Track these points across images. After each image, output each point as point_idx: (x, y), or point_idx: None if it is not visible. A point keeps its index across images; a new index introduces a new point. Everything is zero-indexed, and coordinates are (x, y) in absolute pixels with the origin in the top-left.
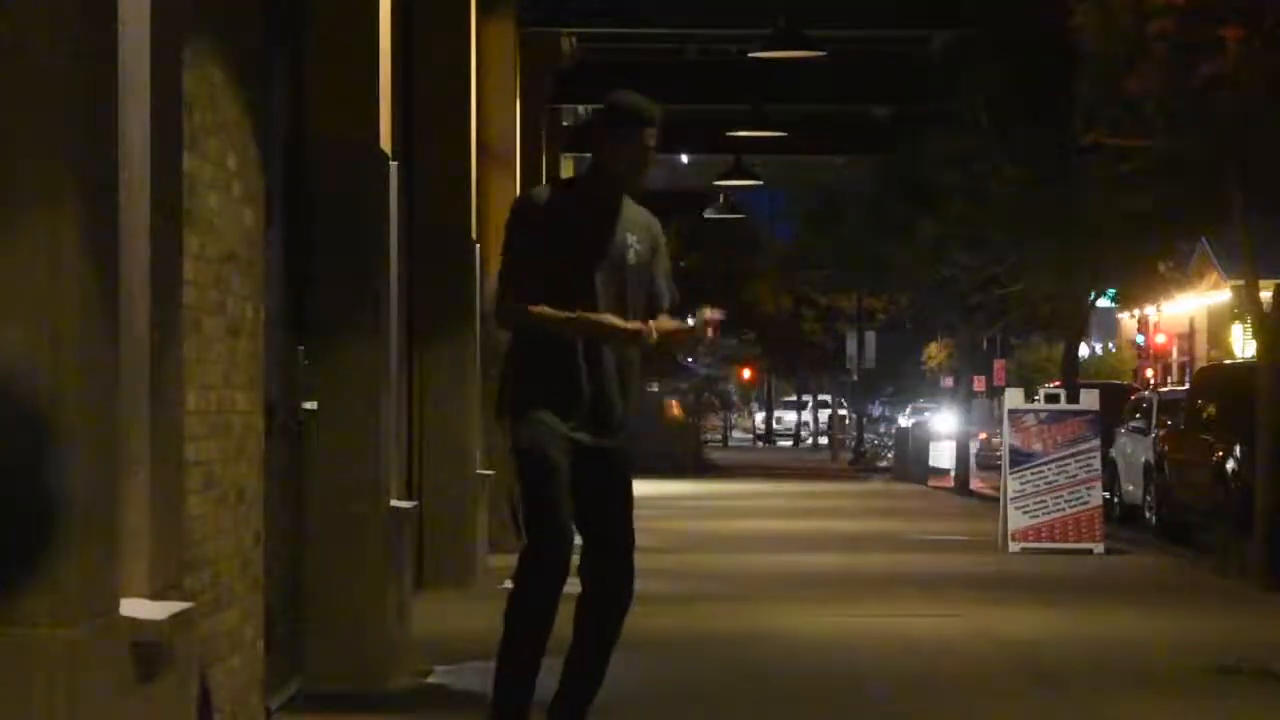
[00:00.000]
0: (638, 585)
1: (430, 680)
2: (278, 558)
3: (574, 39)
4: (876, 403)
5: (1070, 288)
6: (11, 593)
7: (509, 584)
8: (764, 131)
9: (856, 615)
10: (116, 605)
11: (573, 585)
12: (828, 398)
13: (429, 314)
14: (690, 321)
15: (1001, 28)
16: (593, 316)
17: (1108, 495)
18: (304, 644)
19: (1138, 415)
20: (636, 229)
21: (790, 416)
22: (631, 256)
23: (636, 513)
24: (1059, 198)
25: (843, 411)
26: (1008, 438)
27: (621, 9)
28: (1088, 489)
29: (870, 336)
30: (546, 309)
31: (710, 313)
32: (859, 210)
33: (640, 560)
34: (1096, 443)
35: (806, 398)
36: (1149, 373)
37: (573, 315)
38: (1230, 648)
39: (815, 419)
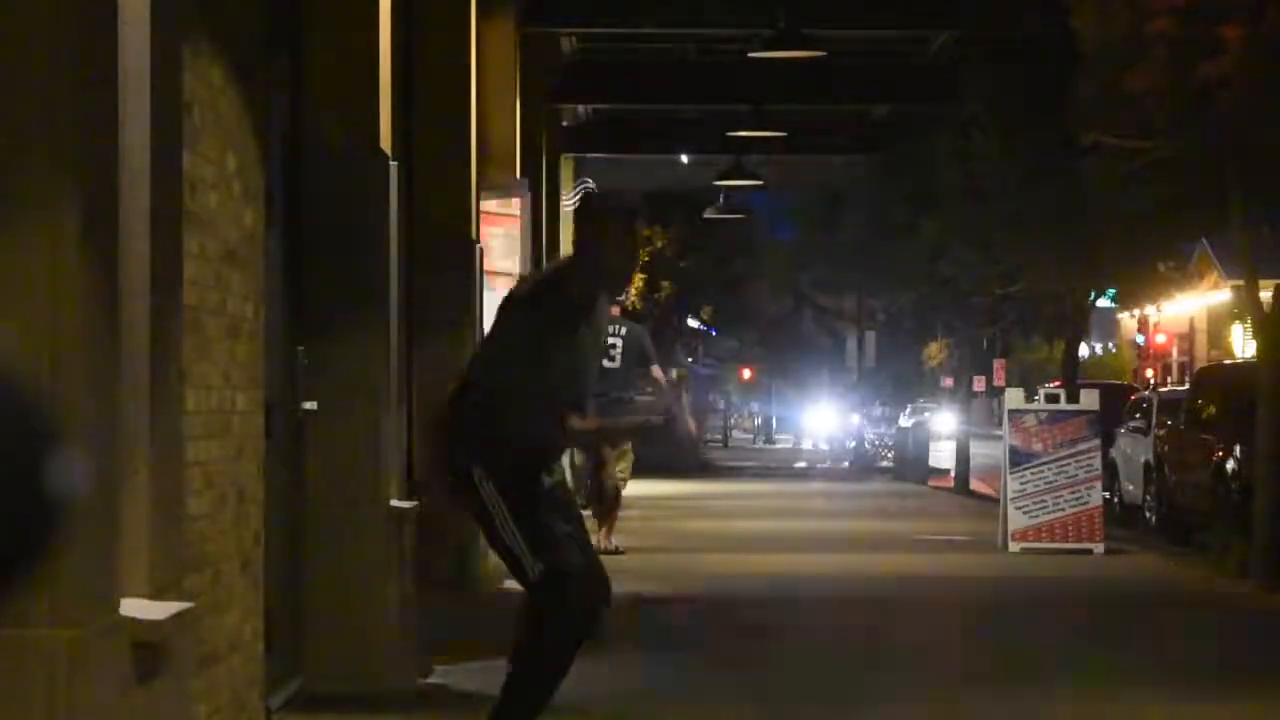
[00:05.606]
0: (637, 585)
1: (430, 680)
2: (278, 558)
3: (574, 39)
4: (877, 402)
5: (1070, 288)
6: (11, 593)
7: (510, 583)
8: (764, 131)
9: (856, 615)
10: (116, 605)
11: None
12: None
13: (429, 314)
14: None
15: (1001, 28)
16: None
17: (1108, 495)
18: (304, 644)
19: (1138, 415)
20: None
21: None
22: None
23: (636, 512)
24: (1059, 198)
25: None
26: (1008, 438)
27: (621, 9)
28: (1088, 489)
29: (870, 336)
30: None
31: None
32: (859, 210)
33: (640, 560)
34: (1096, 443)
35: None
36: (1149, 373)
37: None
38: (1230, 648)
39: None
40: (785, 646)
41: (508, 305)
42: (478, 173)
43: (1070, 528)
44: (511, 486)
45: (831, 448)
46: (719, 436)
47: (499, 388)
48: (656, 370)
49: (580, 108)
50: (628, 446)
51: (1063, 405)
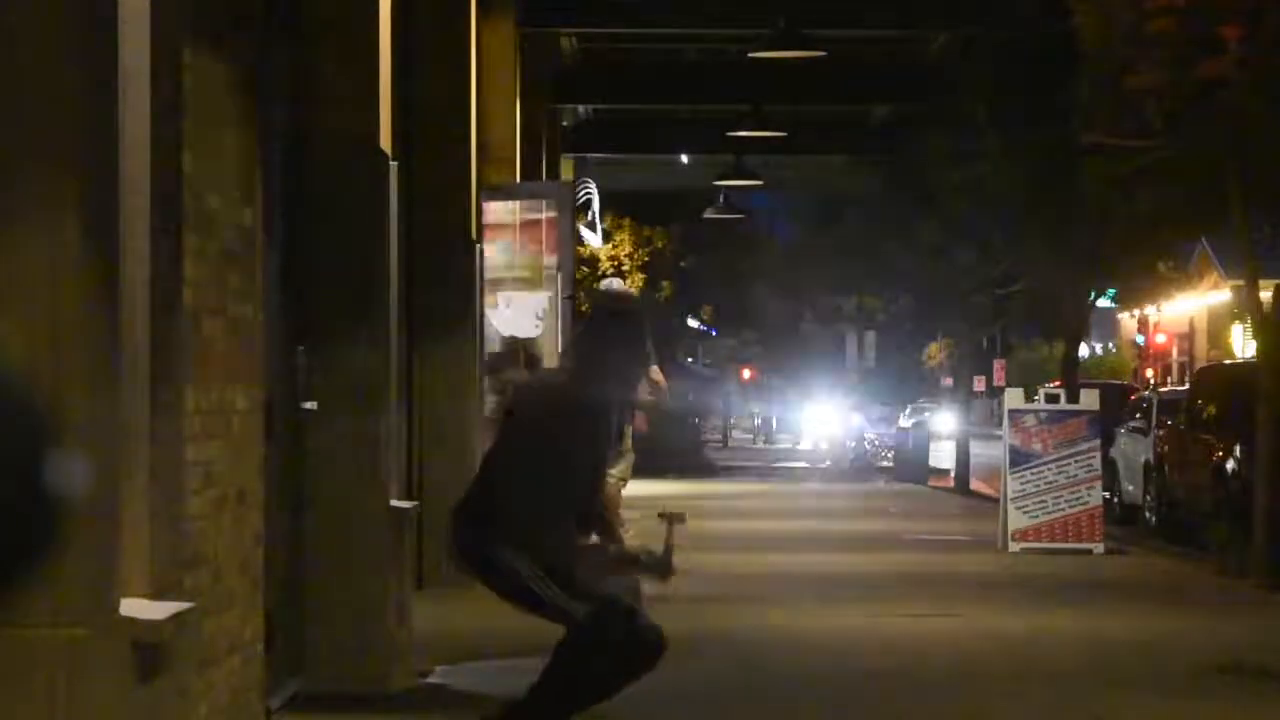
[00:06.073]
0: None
1: (430, 680)
2: (278, 558)
3: (574, 39)
4: (878, 402)
5: (1070, 287)
6: (12, 592)
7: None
8: (764, 131)
9: (857, 615)
10: (116, 605)
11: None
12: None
13: (429, 314)
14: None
15: (1001, 28)
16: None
17: (1108, 495)
18: (304, 644)
19: (1138, 415)
20: None
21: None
22: None
23: (636, 512)
24: (1059, 198)
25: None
26: (1008, 438)
27: (621, 9)
28: (1088, 489)
29: (870, 336)
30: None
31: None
32: (859, 210)
33: None
34: (1096, 443)
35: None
36: (1149, 373)
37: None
38: (1230, 648)
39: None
40: (790, 650)
41: (513, 416)
42: (478, 173)
43: (1070, 528)
44: (555, 561)
45: (831, 448)
46: (719, 436)
47: (527, 503)
48: (656, 371)
49: (580, 108)
50: (628, 447)
51: (1063, 405)
